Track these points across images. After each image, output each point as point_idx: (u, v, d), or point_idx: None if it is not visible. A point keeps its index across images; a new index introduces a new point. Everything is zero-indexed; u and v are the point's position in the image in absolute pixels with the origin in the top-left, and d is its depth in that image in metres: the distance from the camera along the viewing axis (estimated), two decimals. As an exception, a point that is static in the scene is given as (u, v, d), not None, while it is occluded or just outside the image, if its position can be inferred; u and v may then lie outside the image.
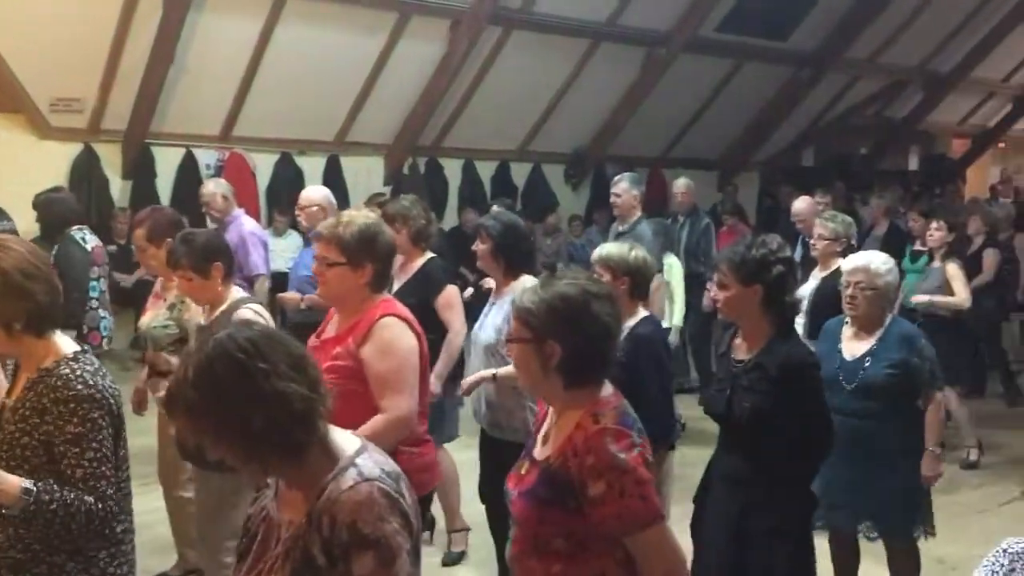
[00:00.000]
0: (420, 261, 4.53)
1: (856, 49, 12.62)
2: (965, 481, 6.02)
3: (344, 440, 1.78)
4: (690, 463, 5.07)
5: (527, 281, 3.90)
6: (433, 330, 4.15)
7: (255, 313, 3.46)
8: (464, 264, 9.05)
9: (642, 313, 3.69)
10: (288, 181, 9.76)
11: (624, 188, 6.26)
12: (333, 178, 9.81)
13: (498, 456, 3.85)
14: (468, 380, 3.89)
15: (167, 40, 8.19)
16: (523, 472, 2.23)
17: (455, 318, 4.44)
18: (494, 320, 3.97)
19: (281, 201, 9.54)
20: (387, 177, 10.51)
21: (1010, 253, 8.23)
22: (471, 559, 4.54)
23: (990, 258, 7.52)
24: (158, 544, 4.37)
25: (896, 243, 8.17)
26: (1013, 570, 2.36)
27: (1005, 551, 2.40)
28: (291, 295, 5.28)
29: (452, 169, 11.13)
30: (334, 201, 5.72)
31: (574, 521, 2.04)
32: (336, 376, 2.85)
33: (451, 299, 4.47)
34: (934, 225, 6.39)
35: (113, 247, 8.35)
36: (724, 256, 3.13)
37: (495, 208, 7.84)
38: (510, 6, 9.73)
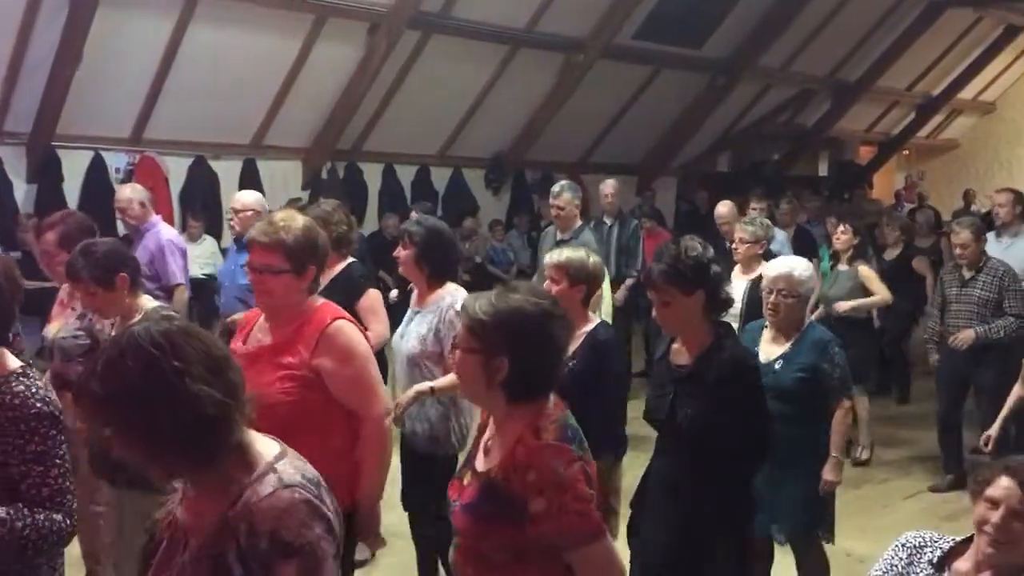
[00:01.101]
0: (340, 266, 4.45)
1: (768, 58, 12.97)
2: (871, 476, 6.23)
3: (263, 445, 1.73)
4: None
5: (453, 290, 3.85)
6: None
7: None
8: (384, 269, 9.01)
9: (595, 319, 3.67)
10: (203, 185, 9.57)
11: (567, 199, 6.28)
12: (250, 182, 9.62)
13: (429, 469, 3.80)
14: (405, 397, 3.72)
15: (74, 38, 7.92)
16: (465, 483, 2.18)
17: (377, 322, 4.33)
18: (418, 329, 3.86)
19: (195, 206, 9.33)
20: (305, 181, 10.38)
21: (937, 257, 8.33)
22: (394, 567, 4.49)
23: (923, 263, 7.76)
24: (69, 559, 4.22)
25: (807, 245, 8.36)
26: (912, 563, 2.47)
27: (904, 545, 2.51)
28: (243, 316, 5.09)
29: (372, 174, 11.05)
30: (267, 206, 5.52)
31: (515, 535, 2.01)
32: (292, 386, 2.77)
33: (373, 303, 4.38)
34: (840, 229, 6.59)
35: (18, 253, 8.05)
36: (657, 271, 3.00)
37: (415, 212, 7.77)
38: (429, 11, 9.71)
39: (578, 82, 11.35)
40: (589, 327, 3.55)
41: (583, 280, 3.58)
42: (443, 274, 3.93)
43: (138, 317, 3.31)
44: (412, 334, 3.87)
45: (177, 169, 9.51)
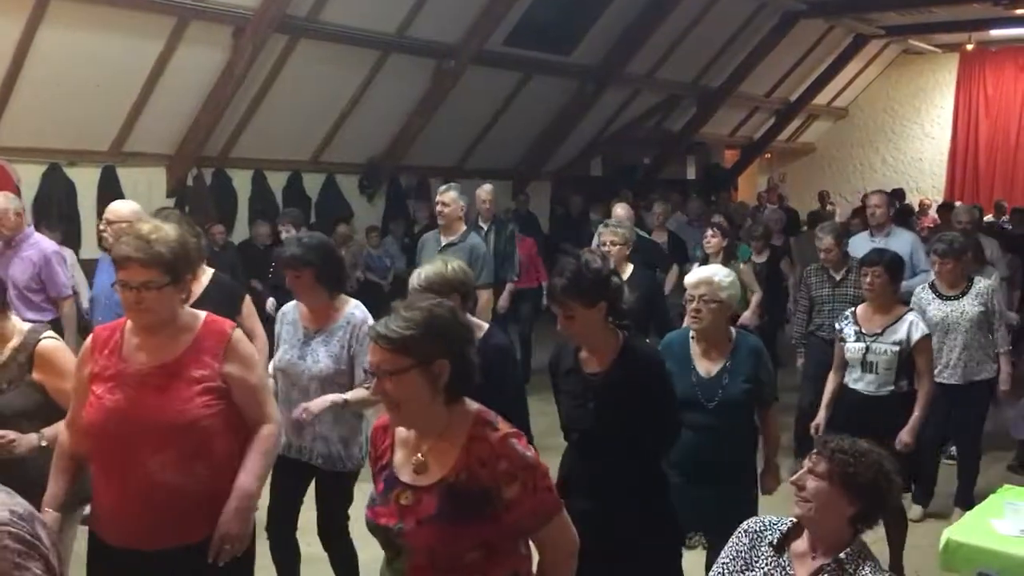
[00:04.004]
0: (205, 278, 4.32)
1: (635, 65, 13.31)
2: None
3: None
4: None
5: (354, 305, 3.79)
6: None
7: (56, 343, 3.25)
8: (257, 278, 8.80)
9: (484, 325, 3.60)
10: (58, 194, 9.12)
11: (452, 198, 6.18)
12: (109, 190, 9.23)
13: (334, 486, 3.78)
14: (316, 403, 3.62)
15: (-90, 40, 7.44)
16: (405, 502, 2.17)
17: (257, 325, 4.39)
18: (327, 349, 3.74)
19: (50, 216, 8.88)
20: (170, 189, 10.01)
21: (787, 256, 8.52)
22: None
23: (787, 264, 8.00)
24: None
25: (679, 250, 8.45)
26: (754, 547, 2.61)
27: (746, 531, 2.65)
28: None
29: (241, 180, 10.75)
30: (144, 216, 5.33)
31: (489, 529, 2.12)
32: (212, 398, 2.76)
33: (252, 309, 4.46)
34: (709, 232, 6.75)
35: None
36: (559, 286, 3.12)
37: (281, 226, 7.48)
38: (296, 15, 9.54)
39: (451, 88, 11.37)
40: (480, 334, 3.47)
41: (453, 290, 3.46)
42: (341, 287, 3.88)
43: (16, 340, 3.19)
44: (321, 354, 3.74)
45: (30, 177, 9.00)
